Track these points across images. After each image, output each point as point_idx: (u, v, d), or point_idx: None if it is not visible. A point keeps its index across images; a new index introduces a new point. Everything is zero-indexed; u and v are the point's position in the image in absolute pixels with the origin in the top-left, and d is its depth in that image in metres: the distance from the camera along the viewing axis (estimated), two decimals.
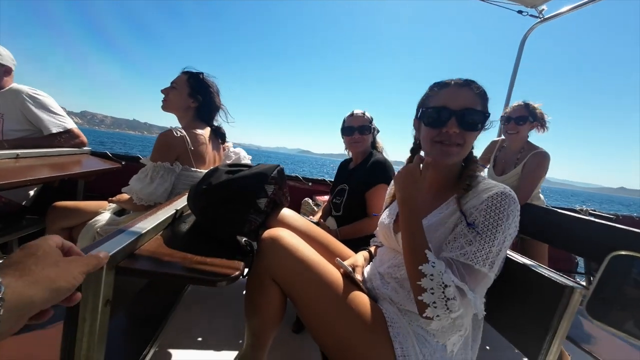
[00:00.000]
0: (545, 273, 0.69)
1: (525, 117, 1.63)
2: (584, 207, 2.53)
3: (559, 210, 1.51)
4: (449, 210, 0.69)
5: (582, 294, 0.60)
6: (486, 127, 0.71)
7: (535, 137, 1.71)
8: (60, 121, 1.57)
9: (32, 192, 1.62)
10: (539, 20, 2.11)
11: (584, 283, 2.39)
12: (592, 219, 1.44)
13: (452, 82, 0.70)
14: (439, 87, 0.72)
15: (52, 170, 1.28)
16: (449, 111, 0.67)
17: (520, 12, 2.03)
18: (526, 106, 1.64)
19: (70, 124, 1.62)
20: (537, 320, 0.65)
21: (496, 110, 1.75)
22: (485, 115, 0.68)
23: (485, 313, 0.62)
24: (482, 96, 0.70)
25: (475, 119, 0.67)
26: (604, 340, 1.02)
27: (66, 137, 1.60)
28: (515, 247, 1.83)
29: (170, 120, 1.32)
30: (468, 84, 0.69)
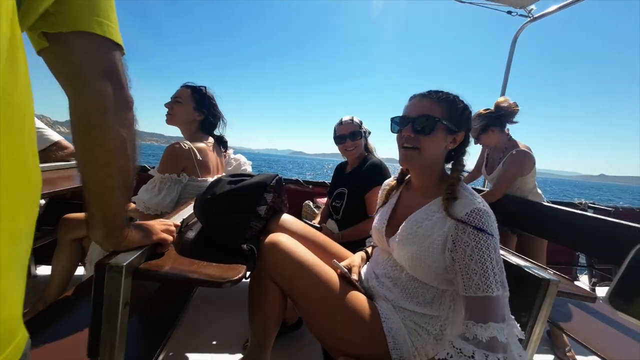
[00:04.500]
0: (527, 268, 0.73)
1: (477, 136, 1.73)
2: (583, 201, 2.53)
3: (558, 207, 1.53)
4: (434, 217, 0.73)
5: (557, 285, 0.66)
6: (434, 131, 0.73)
7: (518, 128, 1.73)
8: (43, 136, 1.49)
9: (42, 202, 1.69)
10: (529, 19, 2.15)
11: (585, 276, 2.40)
12: (592, 214, 1.46)
13: (417, 93, 0.78)
14: (408, 99, 0.80)
15: (64, 182, 1.35)
16: (407, 118, 0.76)
17: (509, 12, 2.08)
18: (474, 124, 1.71)
19: (55, 136, 1.53)
20: (518, 312, 0.70)
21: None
22: (436, 120, 0.72)
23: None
24: (444, 104, 0.74)
25: (428, 123, 0.73)
26: (610, 338, 1.05)
27: (54, 150, 1.52)
28: (509, 244, 1.86)
29: (161, 127, 1.34)
30: (428, 95, 0.76)
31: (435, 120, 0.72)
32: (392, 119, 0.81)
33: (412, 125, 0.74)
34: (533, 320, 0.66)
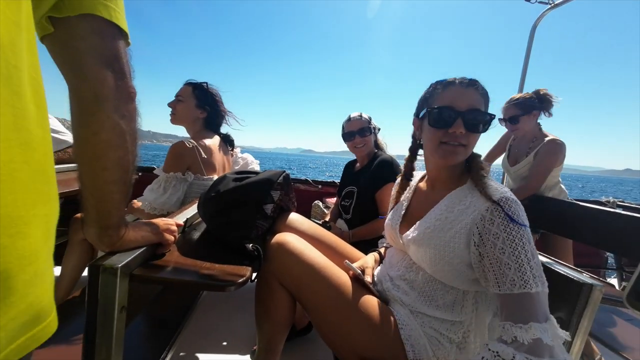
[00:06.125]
0: (562, 271, 0.66)
1: (517, 117, 1.61)
2: (611, 199, 2.40)
3: (585, 204, 1.43)
4: (456, 209, 0.67)
5: (602, 291, 0.58)
6: (487, 128, 0.69)
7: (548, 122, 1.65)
8: (61, 138, 1.56)
9: None
10: (550, 6, 2.03)
11: (615, 279, 2.25)
12: (621, 211, 1.37)
13: (457, 81, 0.68)
14: (442, 86, 0.69)
15: (75, 183, 1.35)
16: (455, 112, 0.65)
17: (527, 0, 1.96)
18: (516, 104, 1.61)
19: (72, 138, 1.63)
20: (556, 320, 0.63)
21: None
22: (490, 116, 0.67)
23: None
24: (485, 96, 0.69)
25: (480, 120, 0.67)
26: (634, 339, 0.96)
27: (70, 151, 1.56)
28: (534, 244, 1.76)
29: (174, 128, 1.33)
30: (473, 84, 0.67)
31: (486, 117, 0.67)
32: (429, 110, 0.69)
33: (463, 120, 0.65)
34: (572, 333, 0.58)
